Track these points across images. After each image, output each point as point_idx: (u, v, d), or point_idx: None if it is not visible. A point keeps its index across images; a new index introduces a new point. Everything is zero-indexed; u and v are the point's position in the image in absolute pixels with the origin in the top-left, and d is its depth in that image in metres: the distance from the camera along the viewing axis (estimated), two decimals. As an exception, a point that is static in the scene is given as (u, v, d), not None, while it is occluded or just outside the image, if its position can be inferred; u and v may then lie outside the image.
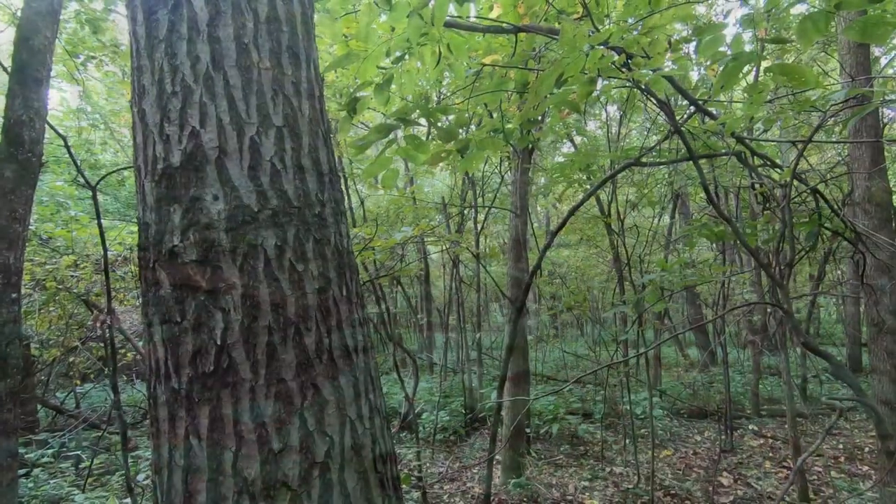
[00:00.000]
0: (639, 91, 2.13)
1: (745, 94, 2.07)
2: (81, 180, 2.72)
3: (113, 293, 5.38)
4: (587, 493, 4.71)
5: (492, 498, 4.61)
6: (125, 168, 3.25)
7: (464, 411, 7.05)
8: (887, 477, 2.81)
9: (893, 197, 3.47)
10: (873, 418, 2.02)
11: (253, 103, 1.08)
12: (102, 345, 5.88)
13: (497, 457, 5.09)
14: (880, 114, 3.85)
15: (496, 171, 7.38)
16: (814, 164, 6.91)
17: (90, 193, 2.43)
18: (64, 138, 2.52)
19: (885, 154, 3.86)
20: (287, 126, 1.11)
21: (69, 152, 2.56)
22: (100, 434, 5.71)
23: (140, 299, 1.16)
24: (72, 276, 5.20)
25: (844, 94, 1.85)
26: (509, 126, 2.42)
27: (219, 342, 0.95)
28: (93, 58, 6.01)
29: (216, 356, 0.95)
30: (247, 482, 0.91)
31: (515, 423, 4.97)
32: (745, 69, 1.80)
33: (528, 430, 5.69)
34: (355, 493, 1.00)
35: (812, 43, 1.44)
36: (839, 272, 9.95)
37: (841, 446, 5.77)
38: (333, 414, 1.00)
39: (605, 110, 7.58)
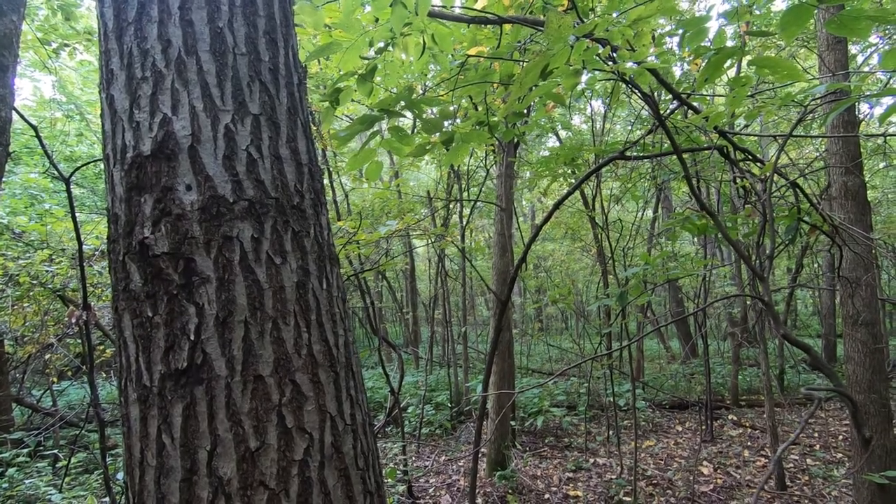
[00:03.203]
0: (623, 84, 2.12)
1: (728, 88, 2.08)
2: (55, 172, 2.63)
3: (90, 288, 5.24)
4: (571, 484, 4.76)
5: (477, 490, 4.63)
6: (100, 160, 3.14)
7: (449, 405, 7.06)
8: (863, 464, 2.89)
9: (868, 191, 3.54)
10: (849, 407, 2.07)
11: (228, 90, 1.03)
12: (79, 341, 5.73)
13: (482, 450, 5.11)
14: (856, 110, 3.92)
15: (482, 164, 7.36)
16: (793, 158, 7.03)
17: (65, 186, 2.33)
18: (35, 127, 2.42)
19: (861, 150, 3.93)
20: (264, 114, 1.07)
21: (40, 142, 2.46)
22: (77, 432, 5.58)
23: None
24: (47, 270, 5.04)
25: (825, 88, 1.87)
26: (494, 119, 2.40)
27: (192, 337, 0.92)
28: (66, 45, 5.80)
29: (190, 352, 0.92)
30: (222, 482, 0.89)
31: (501, 416, 4.99)
32: (728, 63, 1.81)
33: (513, 423, 5.72)
34: (336, 491, 0.98)
35: (794, 36, 1.44)
36: (816, 265, 10.19)
37: (816, 434, 5.93)
38: (313, 411, 0.98)
39: (590, 105, 7.61)
